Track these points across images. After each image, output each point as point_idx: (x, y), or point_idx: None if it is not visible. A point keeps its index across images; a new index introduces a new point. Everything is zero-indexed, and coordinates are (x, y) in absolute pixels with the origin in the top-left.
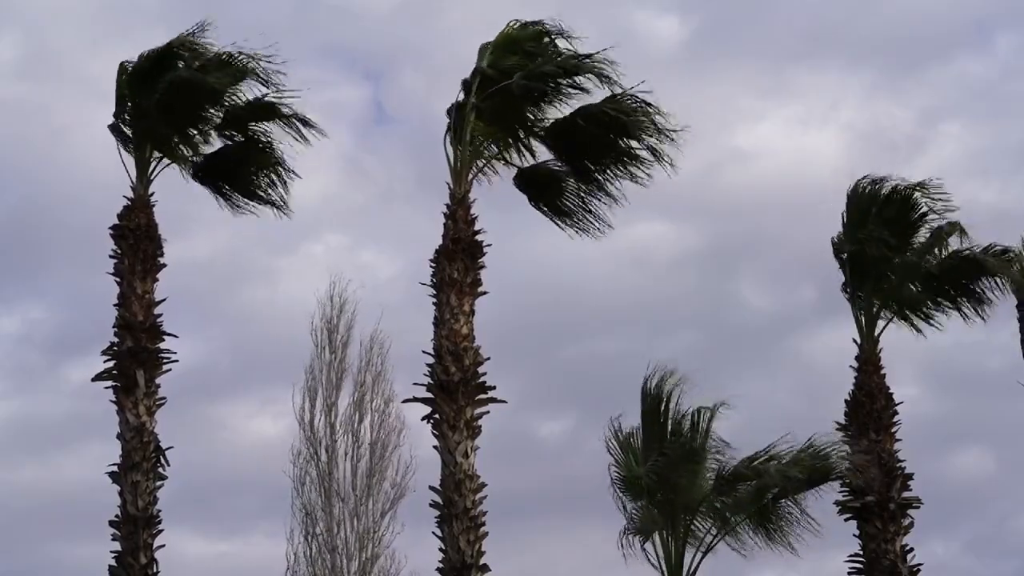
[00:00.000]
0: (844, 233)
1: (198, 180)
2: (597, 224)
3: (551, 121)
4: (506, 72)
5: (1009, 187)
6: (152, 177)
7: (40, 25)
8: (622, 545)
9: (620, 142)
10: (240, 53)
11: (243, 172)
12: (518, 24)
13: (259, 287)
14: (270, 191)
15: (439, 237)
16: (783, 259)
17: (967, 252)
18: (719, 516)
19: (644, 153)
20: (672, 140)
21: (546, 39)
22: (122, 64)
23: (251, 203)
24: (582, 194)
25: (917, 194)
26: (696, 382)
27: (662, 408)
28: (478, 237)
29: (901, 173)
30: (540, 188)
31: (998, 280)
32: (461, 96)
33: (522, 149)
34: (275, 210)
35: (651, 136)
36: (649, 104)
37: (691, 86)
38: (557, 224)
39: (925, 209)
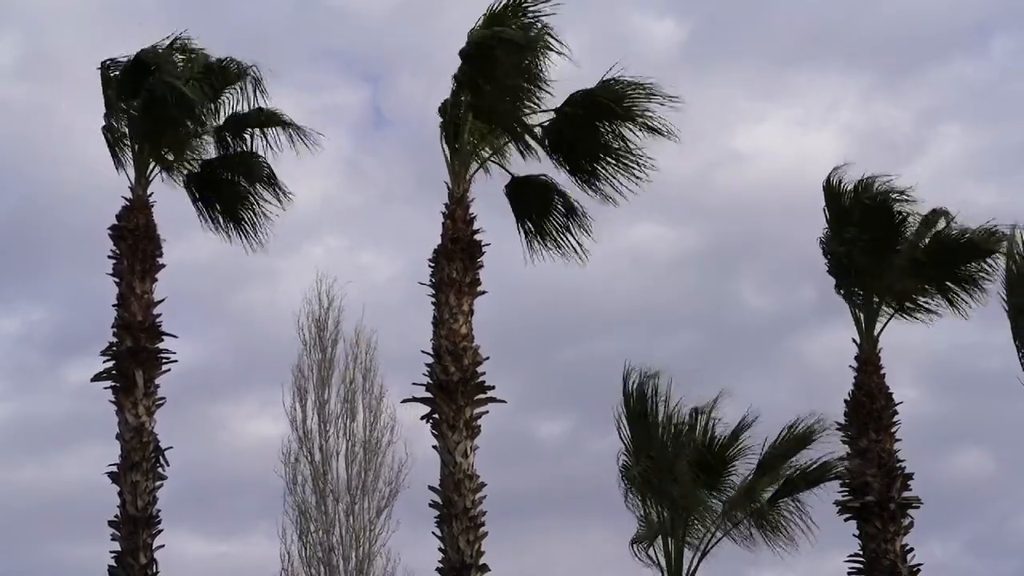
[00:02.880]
0: (829, 232)
1: (189, 192)
2: (579, 249)
3: (544, 114)
4: (483, 48)
5: (1007, 188)
6: (150, 178)
7: (40, 26)
8: (635, 554)
9: (614, 128)
10: (231, 60)
11: (233, 190)
12: (500, 7)
13: (260, 288)
14: (255, 217)
15: (438, 238)
16: (783, 259)
17: (954, 233)
18: (717, 516)
19: (640, 136)
20: (670, 112)
21: (533, 25)
22: (103, 63)
23: (231, 227)
24: (571, 209)
25: (895, 198)
26: (686, 381)
27: (649, 409)
28: (477, 237)
29: (900, 174)
30: (527, 203)
31: (989, 264)
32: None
33: (519, 146)
34: (250, 240)
35: (647, 113)
36: (641, 85)
37: (690, 88)
38: (540, 245)
39: (906, 212)
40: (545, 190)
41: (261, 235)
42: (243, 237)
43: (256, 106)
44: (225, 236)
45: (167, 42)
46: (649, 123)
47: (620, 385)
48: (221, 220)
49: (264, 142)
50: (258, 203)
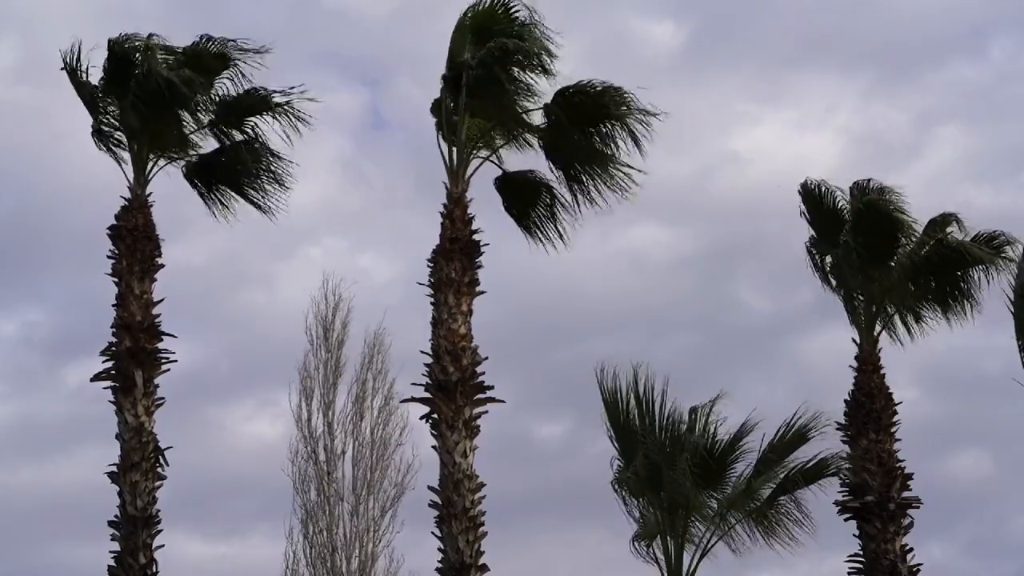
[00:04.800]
0: (816, 238)
1: (190, 182)
2: (561, 236)
3: (538, 111)
4: (484, 63)
5: (1004, 190)
6: (149, 177)
7: (38, 28)
8: (635, 549)
9: (600, 127)
10: (217, 40)
11: (235, 171)
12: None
13: (257, 290)
14: (263, 191)
15: (437, 239)
16: (781, 261)
17: (954, 242)
18: (716, 515)
19: (623, 138)
20: (647, 123)
21: (518, 21)
22: (65, 66)
23: (242, 202)
24: (555, 200)
25: (890, 201)
26: (684, 382)
27: (644, 409)
28: (475, 237)
29: (897, 176)
30: (515, 195)
31: (987, 272)
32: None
33: (516, 144)
34: (265, 212)
35: (627, 117)
36: (622, 90)
37: (688, 91)
38: (524, 232)
39: (902, 215)
40: (533, 184)
41: (273, 204)
42: (256, 206)
43: (247, 89)
44: (234, 213)
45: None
46: (629, 127)
47: (602, 387)
48: (231, 200)
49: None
50: (263, 180)
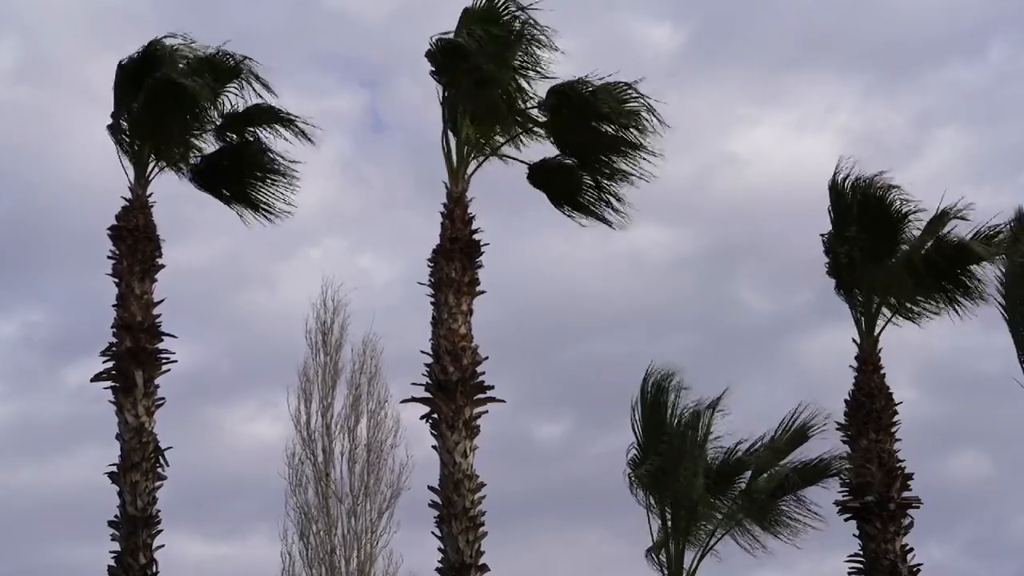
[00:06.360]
0: (833, 231)
1: (196, 184)
2: (619, 215)
3: (541, 105)
4: (486, 61)
5: (1004, 191)
6: (150, 178)
7: (38, 29)
8: (651, 560)
9: (603, 127)
10: (227, 54)
11: (240, 177)
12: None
13: (258, 291)
14: (267, 196)
15: (437, 239)
16: (781, 261)
17: (954, 238)
18: (719, 514)
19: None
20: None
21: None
22: (121, 63)
23: (247, 210)
24: (597, 187)
25: (894, 197)
26: (691, 382)
27: (663, 410)
28: (476, 236)
29: (896, 177)
30: (556, 185)
31: (988, 268)
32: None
33: (519, 141)
34: (271, 217)
35: (633, 120)
36: (630, 86)
37: (687, 92)
38: (577, 221)
39: (906, 210)
40: (569, 169)
41: (277, 213)
42: (260, 216)
43: (257, 102)
44: (238, 216)
45: (169, 40)
46: (631, 121)
47: (639, 382)
48: (237, 207)
49: (265, 136)
50: (268, 185)
